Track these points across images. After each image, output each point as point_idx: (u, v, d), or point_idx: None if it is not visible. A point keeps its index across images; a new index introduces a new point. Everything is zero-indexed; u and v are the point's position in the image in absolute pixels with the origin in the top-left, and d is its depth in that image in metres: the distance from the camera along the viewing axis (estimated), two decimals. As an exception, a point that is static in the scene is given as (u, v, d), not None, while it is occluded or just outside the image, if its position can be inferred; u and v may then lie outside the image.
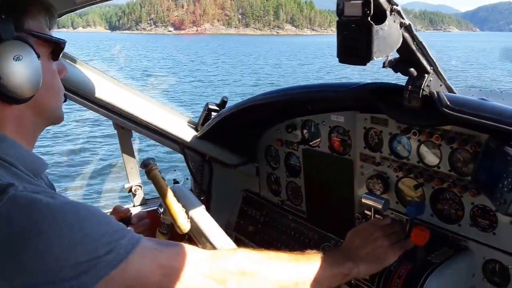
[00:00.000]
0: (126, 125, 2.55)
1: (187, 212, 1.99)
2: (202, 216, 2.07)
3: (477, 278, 1.81)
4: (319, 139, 2.44)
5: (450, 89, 1.76)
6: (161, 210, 2.13)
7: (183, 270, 1.28)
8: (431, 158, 1.90)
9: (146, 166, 1.95)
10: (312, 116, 2.46)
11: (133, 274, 1.17)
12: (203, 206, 2.16)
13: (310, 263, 1.55)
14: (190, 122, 2.76)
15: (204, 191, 2.90)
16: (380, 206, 1.86)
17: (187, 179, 2.96)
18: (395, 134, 2.02)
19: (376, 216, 1.93)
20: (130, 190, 2.72)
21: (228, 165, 2.86)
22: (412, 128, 1.91)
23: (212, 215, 2.17)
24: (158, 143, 2.79)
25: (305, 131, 2.53)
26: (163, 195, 1.95)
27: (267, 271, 1.45)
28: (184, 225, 1.93)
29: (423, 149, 1.92)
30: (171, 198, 1.94)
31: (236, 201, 2.99)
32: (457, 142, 1.78)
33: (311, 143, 2.51)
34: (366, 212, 1.97)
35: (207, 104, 2.72)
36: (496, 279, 1.76)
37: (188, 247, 1.39)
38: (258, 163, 2.92)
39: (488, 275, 1.78)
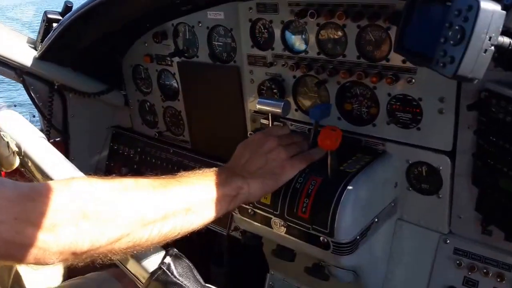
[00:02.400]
0: None
1: (18, 145, 1.53)
2: (36, 145, 1.56)
3: (400, 187, 1.47)
4: (197, 47, 1.94)
5: None
6: None
7: None
8: (333, 45, 1.50)
9: None
10: (184, 17, 1.94)
11: None
12: (39, 133, 1.65)
13: (183, 187, 1.08)
14: (28, 41, 2.11)
15: (59, 131, 2.27)
16: (279, 110, 1.43)
17: (34, 116, 2.30)
18: (288, 22, 1.58)
19: (275, 123, 1.51)
20: None
21: (87, 93, 2.24)
22: (309, 9, 1.47)
23: (73, 160, 1.77)
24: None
25: (178, 38, 2.01)
26: None
27: (120, 206, 0.96)
28: (11, 160, 1.52)
29: (324, 35, 1.51)
30: None
31: (103, 141, 2.44)
32: (366, 17, 1.38)
33: (187, 54, 2.00)
34: (263, 121, 1.54)
35: (45, 13, 2.05)
36: (424, 186, 1.43)
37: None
38: (125, 90, 2.36)
39: (414, 183, 1.45)
